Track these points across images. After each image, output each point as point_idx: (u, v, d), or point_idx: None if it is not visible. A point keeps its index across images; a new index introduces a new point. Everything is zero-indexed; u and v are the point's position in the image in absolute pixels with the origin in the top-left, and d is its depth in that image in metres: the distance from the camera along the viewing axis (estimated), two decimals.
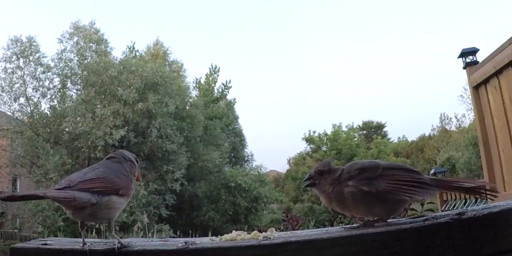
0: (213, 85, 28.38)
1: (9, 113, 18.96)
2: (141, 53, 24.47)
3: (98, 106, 18.02)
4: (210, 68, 28.52)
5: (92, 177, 1.15)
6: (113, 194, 1.15)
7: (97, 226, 12.17)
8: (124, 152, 1.32)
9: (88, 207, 1.09)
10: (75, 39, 19.07)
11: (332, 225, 3.12)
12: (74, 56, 19.05)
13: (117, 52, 23.67)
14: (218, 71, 28.50)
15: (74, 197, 1.07)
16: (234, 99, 28.41)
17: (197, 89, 27.69)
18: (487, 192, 1.15)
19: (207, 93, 27.65)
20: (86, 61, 18.96)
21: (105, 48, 19.62)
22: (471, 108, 23.32)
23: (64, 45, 19.06)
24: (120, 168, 1.25)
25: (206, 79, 28.58)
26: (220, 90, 28.28)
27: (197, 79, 28.19)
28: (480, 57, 4.35)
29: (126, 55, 22.58)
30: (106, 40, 19.78)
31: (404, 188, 1.11)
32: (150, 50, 24.32)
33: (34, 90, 18.90)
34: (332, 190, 1.15)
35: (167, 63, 22.85)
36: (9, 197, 1.11)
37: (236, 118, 28.04)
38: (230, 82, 28.32)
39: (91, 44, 19.12)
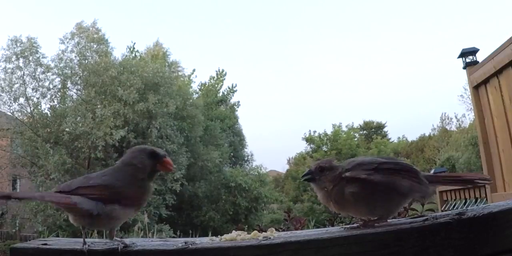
0: (218, 88, 28.53)
1: (9, 113, 18.96)
2: (141, 54, 24.52)
3: (98, 106, 18.02)
4: (216, 71, 28.71)
5: (94, 184, 1.06)
6: (116, 203, 1.05)
7: None
8: (135, 150, 1.16)
9: (88, 216, 1.03)
10: (77, 39, 19.09)
11: (332, 225, 3.12)
12: (75, 56, 19.07)
13: (120, 53, 23.76)
14: (225, 75, 28.65)
15: (75, 203, 1.01)
16: (238, 101, 28.59)
17: (200, 92, 27.84)
18: (480, 181, 1.17)
19: (211, 94, 27.73)
20: (86, 61, 18.97)
21: (106, 48, 19.63)
22: (471, 108, 23.31)
23: (65, 45, 19.11)
24: (132, 173, 1.10)
25: (209, 80, 28.68)
26: (225, 93, 28.41)
27: (202, 83, 28.43)
28: (480, 57, 4.36)
29: (127, 56, 22.62)
30: (107, 40, 19.82)
31: (400, 177, 1.11)
32: (150, 51, 24.36)
33: (34, 90, 18.91)
34: (332, 189, 1.15)
35: (167, 64, 22.89)
36: (5, 196, 1.05)
37: (236, 118, 28.11)
38: (236, 86, 28.48)
39: (92, 44, 19.13)
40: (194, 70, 26.02)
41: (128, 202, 1.07)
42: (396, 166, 1.15)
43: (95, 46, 19.15)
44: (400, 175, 1.12)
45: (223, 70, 28.65)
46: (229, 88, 28.33)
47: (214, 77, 28.44)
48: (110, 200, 1.04)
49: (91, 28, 19.29)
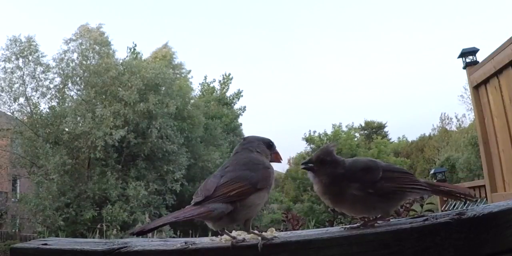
0: (224, 91, 28.63)
1: (9, 113, 18.96)
2: (141, 55, 24.50)
3: (99, 106, 18.02)
4: (223, 75, 28.83)
5: (225, 180, 1.05)
6: (251, 192, 1.04)
7: (98, 226, 12.19)
8: (250, 138, 1.20)
9: (225, 215, 1.01)
10: (80, 40, 19.10)
11: (332, 225, 3.12)
12: (77, 57, 19.08)
13: (124, 54, 23.64)
14: (231, 79, 28.78)
15: (212, 210, 0.99)
16: (244, 107, 28.77)
17: (204, 93, 27.94)
18: (464, 197, 1.19)
19: (213, 96, 27.79)
20: (88, 62, 18.97)
21: (108, 50, 19.63)
22: (471, 108, 23.32)
23: (68, 46, 19.12)
24: (252, 158, 1.13)
25: (205, 80, 28.73)
26: (231, 97, 28.52)
27: (203, 83, 28.50)
28: (480, 57, 4.36)
29: (128, 56, 22.64)
30: (109, 42, 19.82)
31: (407, 189, 1.13)
32: (160, 53, 24.25)
33: (34, 90, 18.92)
34: (331, 184, 1.14)
35: (171, 65, 22.88)
36: (140, 232, 0.95)
37: (238, 120, 28.24)
38: (242, 91, 28.61)
39: (95, 46, 19.12)
40: (190, 71, 26.07)
41: (261, 185, 1.07)
42: (399, 174, 1.16)
43: (97, 47, 19.16)
44: (402, 178, 1.13)
45: (229, 74, 28.83)
46: (235, 93, 28.52)
47: (220, 81, 28.63)
48: (246, 191, 1.03)
49: (95, 30, 19.31)
